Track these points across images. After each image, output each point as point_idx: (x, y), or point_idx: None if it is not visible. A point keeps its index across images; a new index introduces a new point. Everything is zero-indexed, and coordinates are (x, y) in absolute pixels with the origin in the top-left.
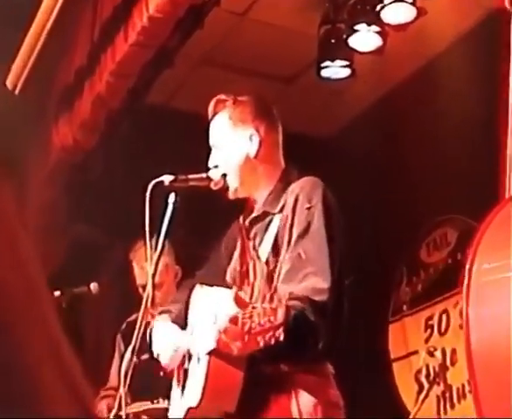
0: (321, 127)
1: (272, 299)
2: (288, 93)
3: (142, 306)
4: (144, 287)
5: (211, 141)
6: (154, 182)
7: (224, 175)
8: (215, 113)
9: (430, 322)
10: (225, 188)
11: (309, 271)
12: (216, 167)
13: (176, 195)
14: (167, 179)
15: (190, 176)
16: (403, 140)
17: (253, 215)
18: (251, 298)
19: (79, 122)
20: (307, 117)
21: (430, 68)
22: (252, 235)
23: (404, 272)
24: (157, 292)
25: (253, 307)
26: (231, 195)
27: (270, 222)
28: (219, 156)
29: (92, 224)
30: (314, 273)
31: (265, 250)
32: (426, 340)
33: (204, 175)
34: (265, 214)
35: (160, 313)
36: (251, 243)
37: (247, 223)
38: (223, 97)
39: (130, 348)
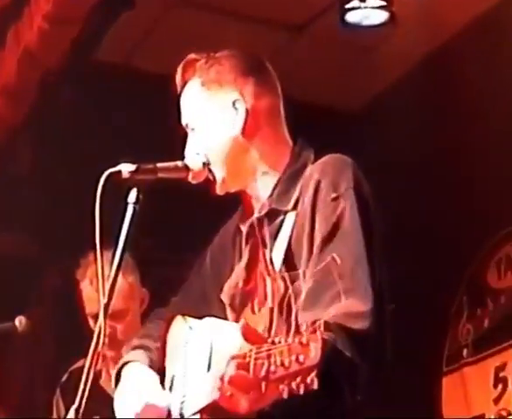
0: (345, 96)
1: (298, 331)
2: (299, 47)
3: (92, 346)
4: (96, 317)
5: (184, 122)
6: (107, 172)
7: (207, 164)
8: (184, 83)
9: (501, 374)
10: (211, 181)
11: (341, 289)
12: (197, 155)
13: (138, 192)
14: (126, 169)
15: (160, 165)
16: (460, 117)
17: (256, 215)
18: (269, 329)
19: (0, 88)
20: (326, 81)
21: (499, 13)
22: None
23: (464, 302)
24: (118, 325)
25: (273, 342)
26: (218, 190)
27: (281, 223)
28: (197, 140)
29: (19, 232)
30: (349, 291)
31: (275, 263)
32: (497, 400)
33: (179, 164)
34: (272, 213)
35: (133, 348)
36: (267, 251)
37: (247, 226)
38: (192, 56)
39: (73, 408)
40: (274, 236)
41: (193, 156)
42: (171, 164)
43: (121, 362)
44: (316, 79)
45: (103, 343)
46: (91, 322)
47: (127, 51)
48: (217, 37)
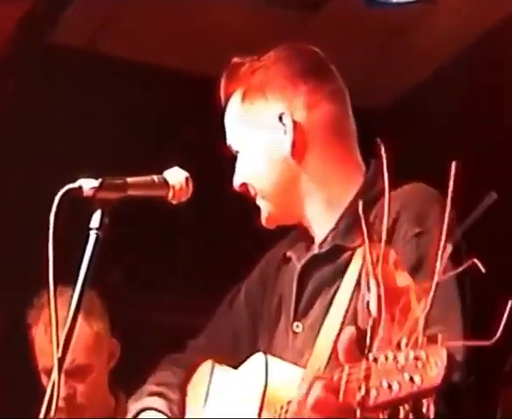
0: (370, 90)
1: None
2: (314, 28)
3: (42, 411)
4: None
5: (228, 143)
6: (64, 189)
7: (254, 194)
8: (228, 96)
9: None
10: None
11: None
12: (243, 185)
13: (103, 215)
14: (87, 185)
15: (131, 180)
16: None
17: (315, 252)
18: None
19: None
20: (347, 70)
21: None
22: (311, 287)
23: None
24: (78, 385)
25: (375, 359)
26: (265, 224)
27: (348, 260)
28: (242, 165)
29: None
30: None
31: (340, 311)
32: None
33: (155, 179)
34: (336, 250)
35: (150, 395)
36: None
37: (302, 264)
38: (236, 61)
39: None
40: (335, 279)
41: (174, 170)
42: (146, 179)
43: (135, 408)
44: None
45: (56, 407)
46: (44, 380)
47: (90, 32)
48: (206, 17)
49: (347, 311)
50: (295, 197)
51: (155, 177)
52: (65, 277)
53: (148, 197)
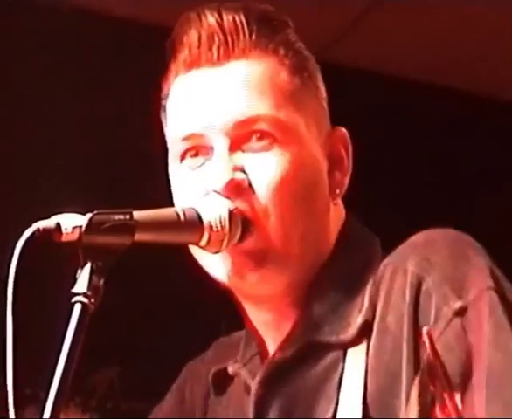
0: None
1: None
2: (385, 15)
3: None
4: None
5: None
6: (30, 230)
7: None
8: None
9: None
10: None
11: None
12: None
13: (93, 271)
14: (69, 223)
15: (140, 216)
16: None
17: (278, 356)
18: None
19: None
20: (422, 58)
21: None
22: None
23: None
24: None
25: None
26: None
27: (331, 367)
28: None
29: None
30: None
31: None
32: None
33: (180, 214)
34: (311, 349)
35: None
36: None
37: (256, 384)
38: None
39: None
40: (316, 402)
41: (211, 198)
42: (165, 214)
43: None
44: (410, 55)
45: None
46: None
47: None
48: None
49: None
50: None
51: (181, 211)
52: (33, 374)
53: (168, 245)
